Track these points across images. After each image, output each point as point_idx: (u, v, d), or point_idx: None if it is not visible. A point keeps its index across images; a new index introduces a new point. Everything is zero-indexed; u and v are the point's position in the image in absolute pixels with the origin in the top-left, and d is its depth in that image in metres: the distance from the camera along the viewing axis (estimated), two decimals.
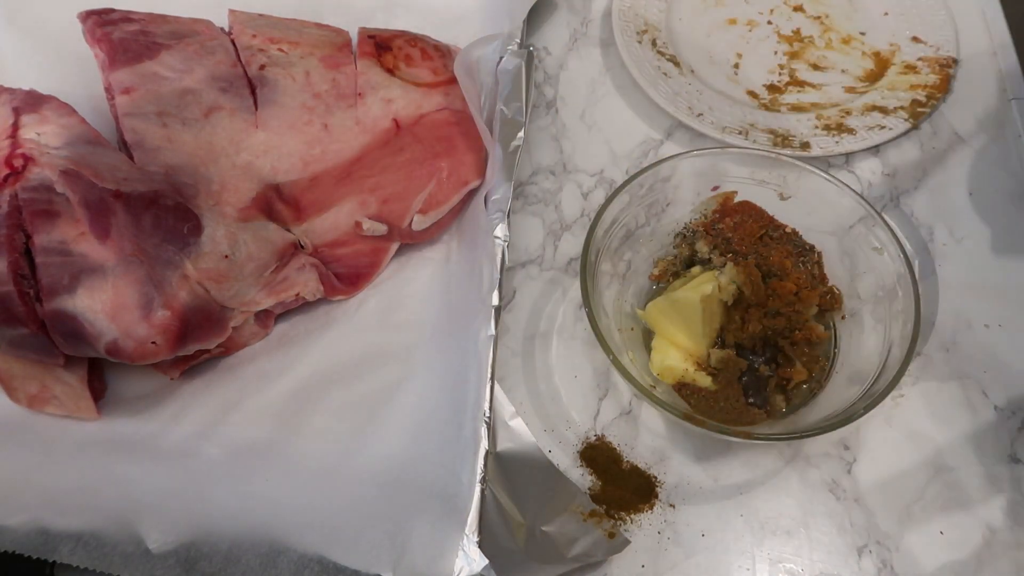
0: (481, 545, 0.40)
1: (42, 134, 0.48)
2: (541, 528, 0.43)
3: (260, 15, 0.57)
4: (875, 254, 0.49)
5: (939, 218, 0.57)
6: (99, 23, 0.53)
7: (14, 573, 0.42)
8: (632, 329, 0.50)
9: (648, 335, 0.50)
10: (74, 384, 0.47)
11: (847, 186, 0.49)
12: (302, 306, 0.52)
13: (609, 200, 0.49)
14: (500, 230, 0.48)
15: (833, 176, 0.50)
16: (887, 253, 0.48)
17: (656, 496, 0.47)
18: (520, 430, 0.45)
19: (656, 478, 0.48)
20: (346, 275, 0.53)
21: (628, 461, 0.48)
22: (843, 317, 0.50)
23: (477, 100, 0.54)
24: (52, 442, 0.46)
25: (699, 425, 0.43)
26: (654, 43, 0.65)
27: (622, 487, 0.48)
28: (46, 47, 0.60)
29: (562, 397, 0.50)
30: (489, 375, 0.44)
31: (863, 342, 0.48)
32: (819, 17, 0.69)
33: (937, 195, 0.58)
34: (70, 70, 0.58)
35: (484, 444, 0.42)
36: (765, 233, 0.50)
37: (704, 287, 0.47)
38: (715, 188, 0.52)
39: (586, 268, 0.47)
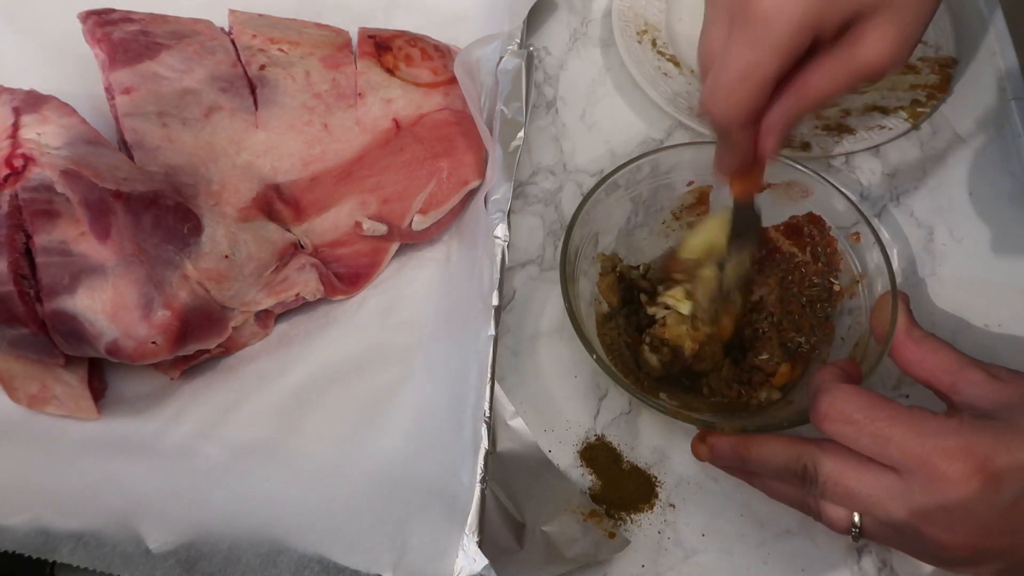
0: (481, 545, 0.40)
1: (42, 134, 0.48)
2: (541, 528, 0.43)
3: (260, 15, 0.57)
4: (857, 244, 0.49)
5: (939, 218, 0.57)
6: (99, 23, 0.53)
7: (14, 573, 0.42)
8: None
9: None
10: (74, 384, 0.47)
11: (825, 178, 0.49)
12: (302, 306, 0.52)
13: (586, 199, 0.49)
14: (500, 230, 0.48)
15: (808, 168, 0.50)
16: (864, 240, 0.48)
17: (656, 496, 0.47)
18: (520, 430, 0.45)
19: (656, 478, 0.48)
20: (346, 275, 0.53)
21: (628, 461, 0.48)
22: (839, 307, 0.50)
23: (477, 100, 0.54)
24: (52, 442, 0.46)
25: (685, 420, 0.44)
26: (654, 43, 0.65)
27: (622, 487, 0.48)
28: (46, 47, 0.60)
29: (563, 397, 0.50)
30: (489, 375, 0.44)
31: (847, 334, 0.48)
32: None
33: (937, 195, 0.58)
34: (70, 70, 0.58)
35: (484, 444, 0.42)
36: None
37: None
38: (690, 183, 0.52)
39: (565, 266, 0.47)
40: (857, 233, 0.48)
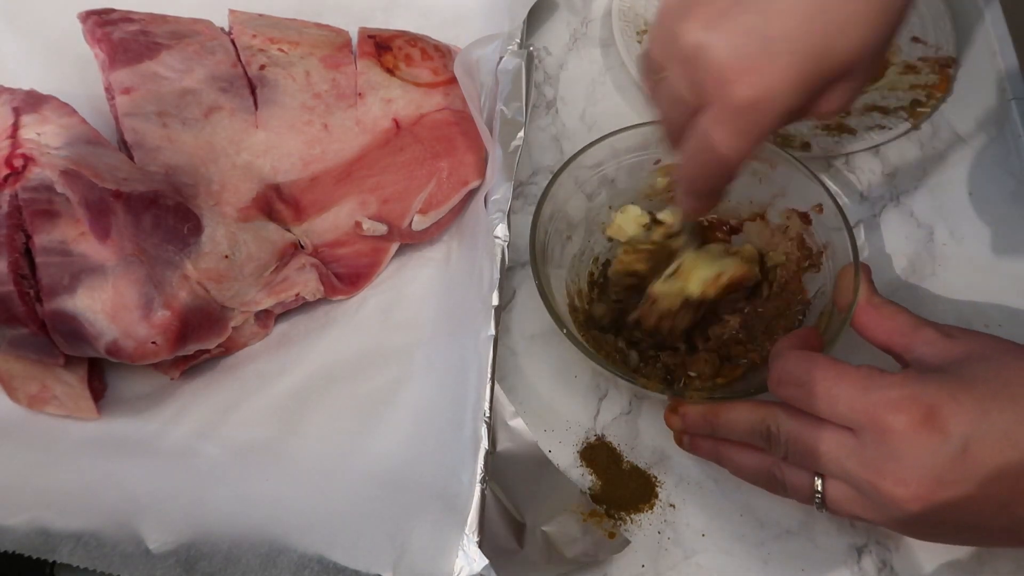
0: (481, 545, 0.40)
1: (42, 134, 0.48)
2: (541, 528, 0.43)
3: (260, 15, 0.57)
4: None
5: (939, 218, 0.57)
6: (99, 23, 0.53)
7: (14, 573, 0.42)
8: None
9: None
10: (74, 384, 0.47)
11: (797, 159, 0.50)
12: (302, 306, 0.52)
13: (551, 183, 0.49)
14: (500, 230, 0.48)
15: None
16: (827, 211, 0.48)
17: (656, 496, 0.47)
18: (520, 430, 0.45)
19: (656, 478, 0.48)
20: (346, 275, 0.53)
21: (628, 461, 0.48)
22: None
23: (477, 100, 0.54)
24: (52, 442, 0.46)
25: (655, 390, 0.45)
26: None
27: (622, 487, 0.48)
28: (46, 47, 0.60)
29: (562, 397, 0.50)
30: (489, 375, 0.44)
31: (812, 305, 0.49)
32: None
33: (937, 195, 0.58)
34: (70, 70, 0.58)
35: (484, 444, 0.42)
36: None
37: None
38: (657, 162, 0.52)
39: (535, 244, 0.47)
40: (820, 205, 0.49)
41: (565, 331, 0.45)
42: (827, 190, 0.48)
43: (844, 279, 0.45)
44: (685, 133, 0.38)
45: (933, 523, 0.37)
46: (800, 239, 0.50)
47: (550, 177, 0.49)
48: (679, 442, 0.45)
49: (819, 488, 0.38)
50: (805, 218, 0.50)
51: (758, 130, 0.36)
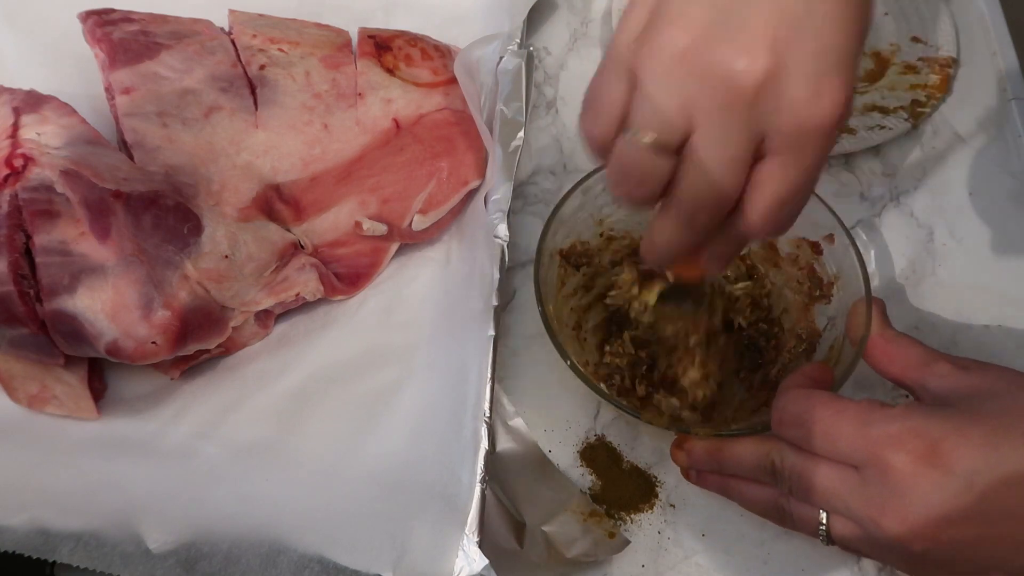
0: (481, 545, 0.40)
1: (42, 134, 0.48)
2: (541, 528, 0.43)
3: (260, 15, 0.57)
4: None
5: (939, 218, 0.57)
6: (99, 23, 0.53)
7: (14, 573, 0.42)
8: None
9: None
10: (74, 384, 0.47)
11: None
12: (302, 306, 0.52)
13: (560, 204, 0.48)
14: (500, 230, 0.48)
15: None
16: (839, 243, 0.47)
17: (656, 496, 0.47)
18: (520, 430, 0.45)
19: (656, 478, 0.48)
20: (346, 275, 0.53)
21: (628, 461, 0.48)
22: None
23: (477, 100, 0.54)
24: (52, 442, 0.46)
25: (659, 425, 0.44)
26: None
27: (622, 487, 0.48)
28: (46, 47, 0.60)
29: (563, 397, 0.50)
30: (489, 375, 0.44)
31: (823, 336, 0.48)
32: None
33: (937, 195, 0.58)
34: (70, 70, 0.58)
35: (484, 444, 0.42)
36: None
37: None
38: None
39: (540, 270, 0.46)
40: (831, 235, 0.48)
41: (569, 363, 0.44)
42: (839, 220, 0.47)
43: (856, 313, 0.44)
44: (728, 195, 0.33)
45: (942, 563, 0.35)
46: (810, 269, 0.49)
47: (552, 178, 0.49)
48: (686, 476, 0.45)
49: (824, 523, 0.37)
50: (816, 248, 0.49)
51: (828, 151, 0.32)
